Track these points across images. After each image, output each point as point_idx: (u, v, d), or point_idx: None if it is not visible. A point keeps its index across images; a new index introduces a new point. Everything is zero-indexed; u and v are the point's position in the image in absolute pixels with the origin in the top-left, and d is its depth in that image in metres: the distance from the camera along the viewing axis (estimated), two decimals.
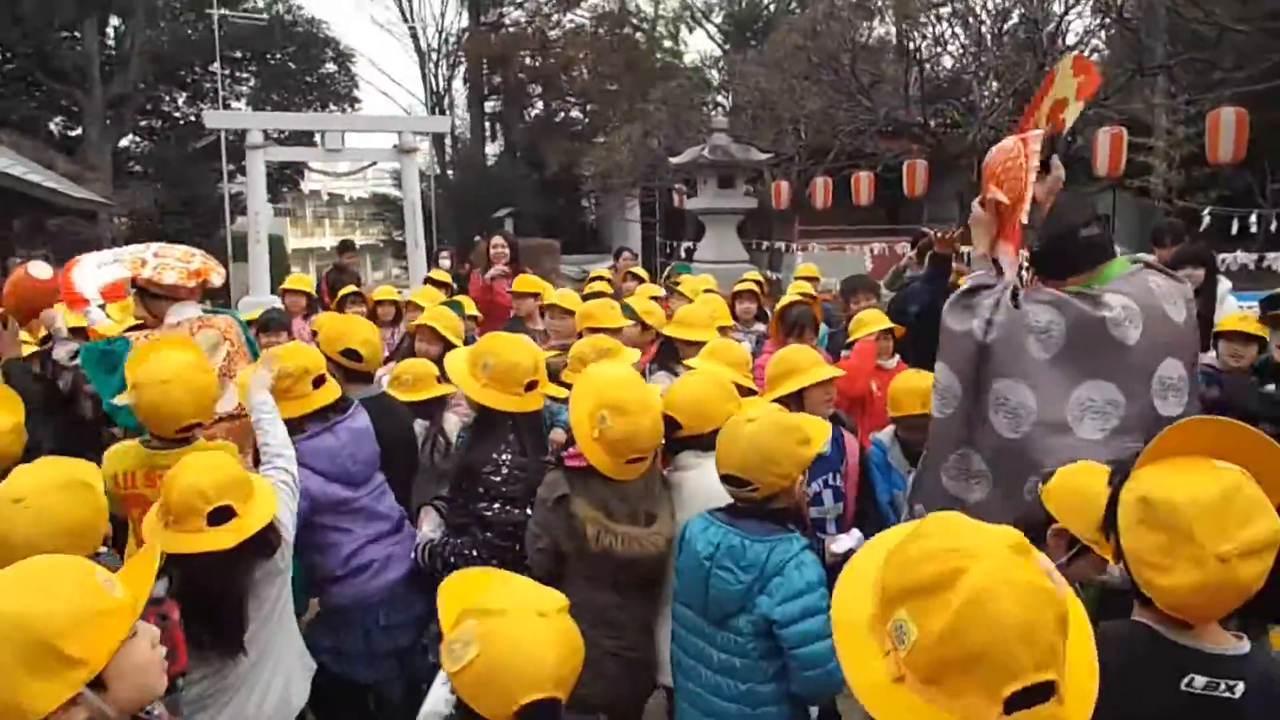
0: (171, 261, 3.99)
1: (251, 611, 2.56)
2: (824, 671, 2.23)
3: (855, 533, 3.04)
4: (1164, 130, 16.81)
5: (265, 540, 2.54)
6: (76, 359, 3.81)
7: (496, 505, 2.95)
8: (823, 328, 6.15)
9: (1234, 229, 10.81)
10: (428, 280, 8.74)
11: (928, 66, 12.76)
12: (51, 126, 27.67)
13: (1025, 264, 2.91)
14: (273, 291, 17.45)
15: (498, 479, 2.95)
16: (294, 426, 3.04)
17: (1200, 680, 1.55)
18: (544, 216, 26.22)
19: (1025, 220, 2.71)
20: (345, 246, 11.54)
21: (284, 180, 32.08)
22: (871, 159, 13.65)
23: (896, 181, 12.79)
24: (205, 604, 2.48)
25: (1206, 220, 10.75)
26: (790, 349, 3.69)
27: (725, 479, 2.41)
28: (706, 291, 5.94)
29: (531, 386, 3.08)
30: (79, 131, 26.46)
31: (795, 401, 3.33)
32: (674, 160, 11.65)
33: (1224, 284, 5.25)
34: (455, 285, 10.35)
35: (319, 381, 3.20)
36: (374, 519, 3.15)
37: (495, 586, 1.77)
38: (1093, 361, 2.59)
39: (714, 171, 11.16)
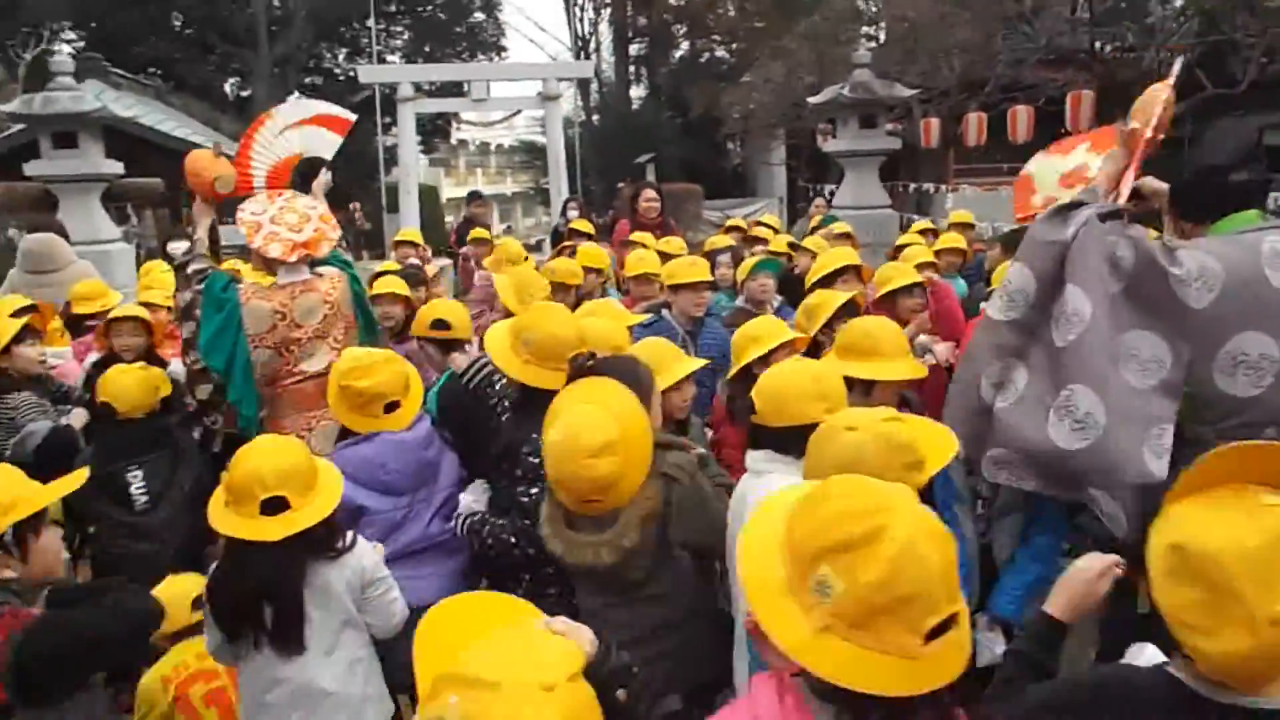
0: (283, 232, 3.96)
1: (321, 615, 2.49)
2: None
3: None
4: None
5: (319, 538, 2.47)
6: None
7: (535, 490, 2.75)
8: (960, 282, 5.71)
9: None
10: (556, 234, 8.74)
11: None
12: (226, 88, 29.38)
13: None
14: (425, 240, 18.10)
15: (536, 460, 2.68)
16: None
17: None
18: (687, 161, 25.82)
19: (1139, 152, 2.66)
20: (473, 196, 11.76)
21: (436, 131, 33.02)
22: (1031, 90, 12.57)
23: (1058, 115, 11.73)
24: (250, 592, 2.44)
25: None
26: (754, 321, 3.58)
27: None
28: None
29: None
30: (249, 92, 27.95)
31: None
32: (812, 100, 11.06)
33: None
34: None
35: (391, 407, 3.08)
36: (404, 534, 3.03)
37: (489, 641, 1.27)
38: (1150, 312, 2.46)
39: (855, 111, 10.51)
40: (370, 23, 24.69)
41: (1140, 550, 1.53)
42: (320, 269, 4.03)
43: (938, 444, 2.14)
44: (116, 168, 8.95)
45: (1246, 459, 1.45)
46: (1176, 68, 2.77)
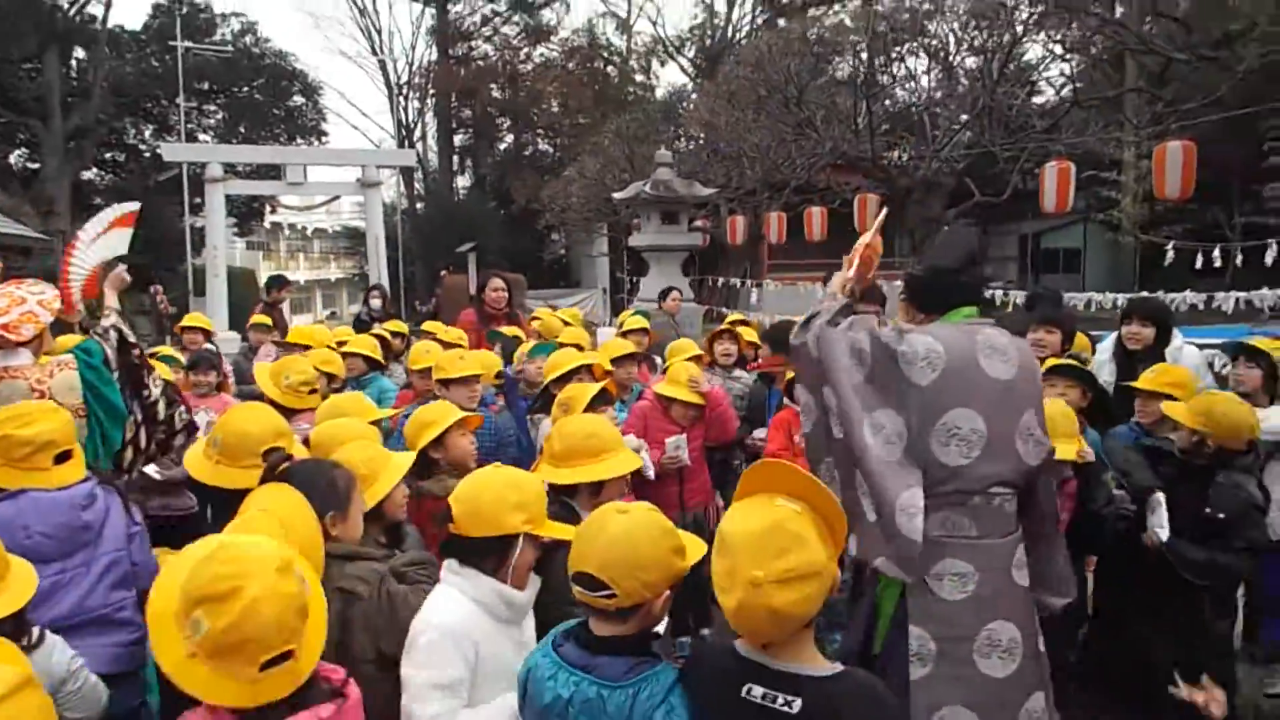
0: None
1: None
2: None
3: None
4: (1131, 165, 16.71)
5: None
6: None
7: None
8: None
9: (1199, 263, 10.56)
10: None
11: (879, 100, 12.52)
12: (10, 159, 27.34)
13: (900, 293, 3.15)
14: (232, 325, 17.14)
15: None
16: None
17: (758, 690, 1.81)
18: (510, 251, 25.94)
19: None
20: (275, 283, 11.14)
21: (253, 214, 31.85)
22: (825, 193, 13.38)
23: (850, 216, 12.53)
24: None
25: (1171, 255, 10.51)
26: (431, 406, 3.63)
27: (578, 578, 1.95)
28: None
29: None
30: (38, 165, 26.11)
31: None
32: (616, 195, 11.32)
33: (1178, 339, 4.93)
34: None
35: (63, 457, 2.81)
36: (55, 606, 2.71)
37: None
38: (886, 390, 2.73)
39: (657, 207, 10.81)
40: (179, 99, 23.71)
41: None
42: (60, 357, 3.78)
43: (696, 545, 2.10)
44: None
45: (773, 474, 1.92)
46: (881, 214, 3.22)
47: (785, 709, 1.77)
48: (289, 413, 3.89)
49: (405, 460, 2.82)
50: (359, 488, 2.54)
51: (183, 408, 4.15)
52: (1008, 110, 10.89)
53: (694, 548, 2.08)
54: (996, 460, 2.70)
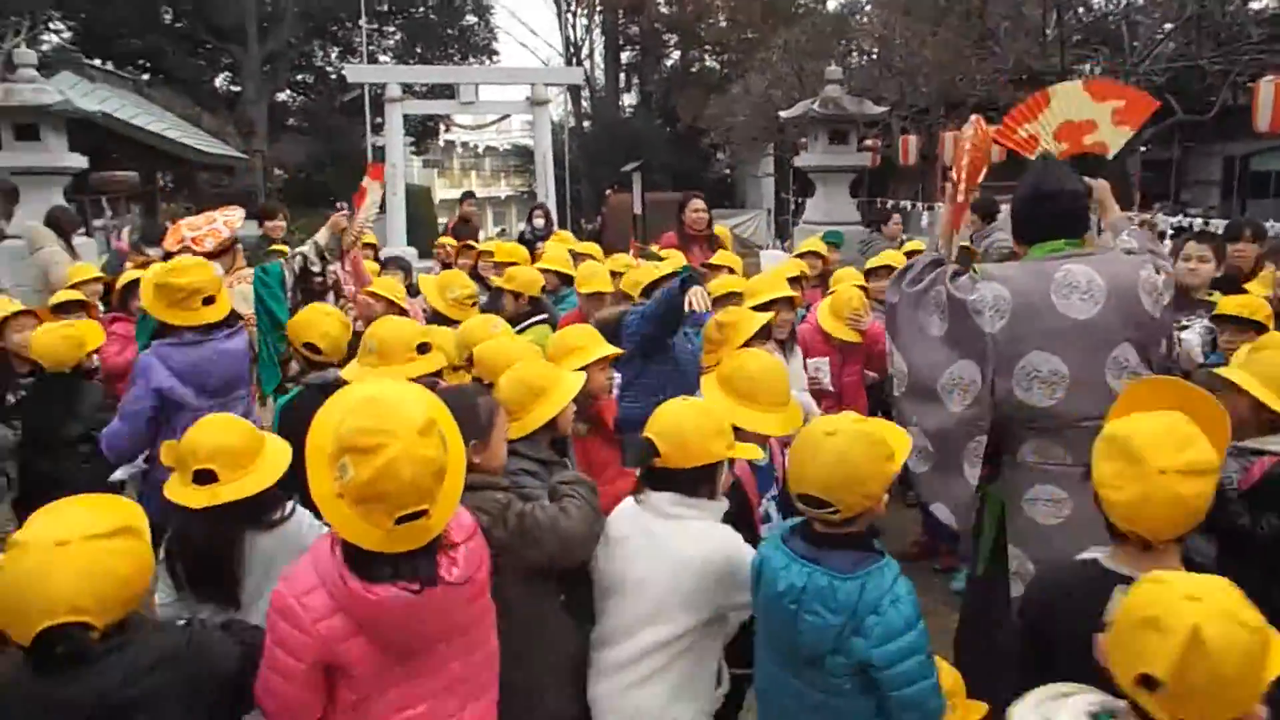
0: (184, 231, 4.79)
1: (257, 579, 2.63)
2: (923, 713, 2.12)
3: None
4: None
5: (246, 511, 2.61)
6: None
7: None
8: None
9: None
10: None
11: (1072, 7, 11.58)
12: (216, 83, 29.34)
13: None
14: (410, 241, 18.03)
15: None
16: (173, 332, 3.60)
17: None
18: (676, 170, 25.88)
19: (960, 198, 3.08)
20: (465, 196, 11.74)
21: (428, 132, 33.03)
22: (1007, 111, 12.63)
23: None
24: (193, 552, 2.63)
25: None
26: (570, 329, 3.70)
27: (802, 498, 2.14)
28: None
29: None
30: (240, 89, 27.93)
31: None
32: (783, 114, 11.10)
33: None
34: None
35: (209, 300, 3.60)
36: None
37: (40, 517, 1.84)
38: (962, 341, 2.87)
39: (825, 126, 10.55)
40: (361, 22, 24.65)
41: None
42: (242, 272, 4.85)
43: (900, 438, 2.29)
44: (80, 161, 8.94)
45: (1155, 389, 2.19)
46: (970, 122, 3.23)
47: None
48: (451, 324, 4.24)
49: (577, 380, 2.94)
50: (503, 415, 2.64)
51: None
52: (1220, 18, 9.84)
53: (900, 442, 2.24)
54: (1086, 398, 2.74)
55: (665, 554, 2.41)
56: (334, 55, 31.18)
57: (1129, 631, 1.47)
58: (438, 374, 3.44)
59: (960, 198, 3.07)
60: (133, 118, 12.04)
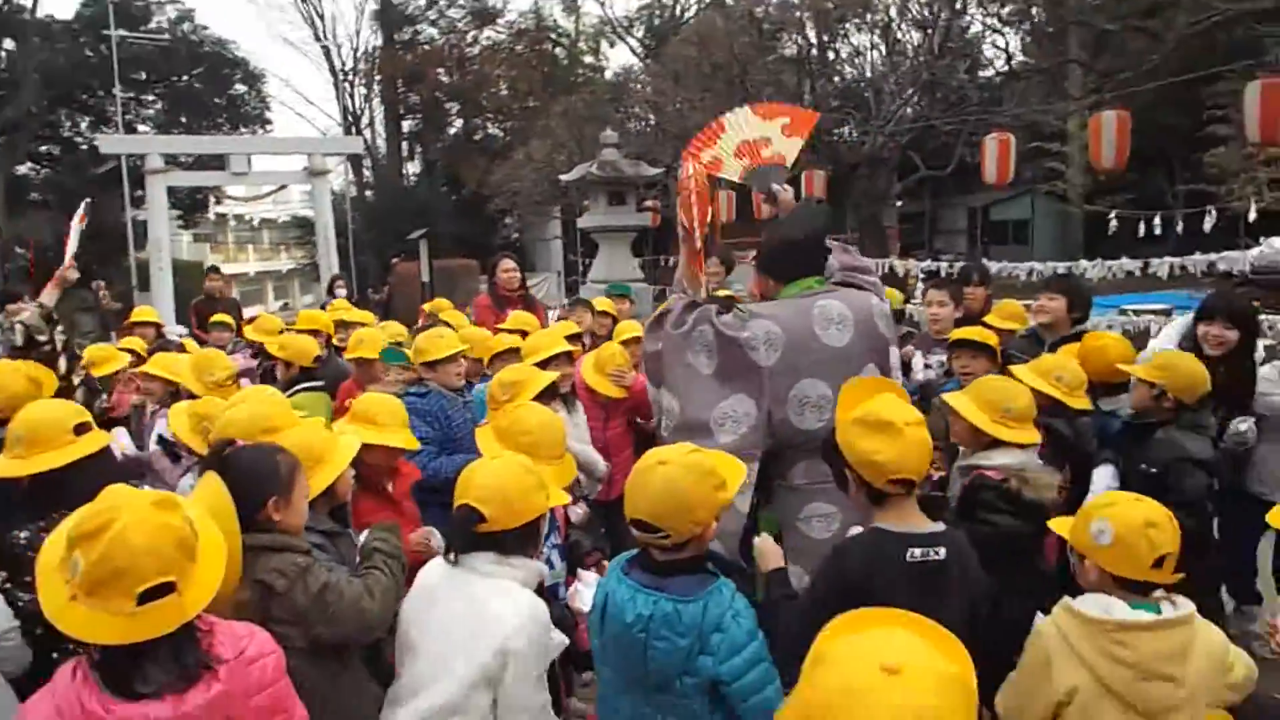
0: None
1: None
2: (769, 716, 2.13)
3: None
4: (1075, 135, 16.93)
5: None
6: None
7: None
8: None
9: (1141, 231, 10.76)
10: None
11: (826, 77, 12.53)
12: None
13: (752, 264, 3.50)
14: (179, 321, 16.79)
15: None
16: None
17: (917, 551, 2.28)
18: (462, 236, 25.65)
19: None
20: (210, 271, 11.06)
21: (198, 205, 31.18)
22: None
23: (798, 194, 12.55)
24: None
25: (1114, 224, 10.69)
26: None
27: (635, 524, 2.22)
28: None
29: None
30: None
31: None
32: (564, 178, 11.26)
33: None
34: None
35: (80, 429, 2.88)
36: None
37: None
38: (735, 377, 3.05)
39: (604, 188, 10.76)
40: (115, 90, 23.08)
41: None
42: None
43: (732, 467, 2.39)
44: None
45: (865, 387, 2.58)
46: (682, 163, 3.48)
47: (936, 558, 2.28)
48: None
49: (354, 442, 2.83)
50: (303, 473, 2.50)
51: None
52: (950, 84, 10.96)
53: (733, 473, 2.34)
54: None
55: (483, 615, 2.32)
56: (84, 125, 28.93)
57: None
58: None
59: (697, 242, 3.21)
60: None
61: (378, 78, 30.75)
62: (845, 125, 14.07)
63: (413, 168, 32.41)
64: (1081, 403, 3.47)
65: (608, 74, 29.28)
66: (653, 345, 3.26)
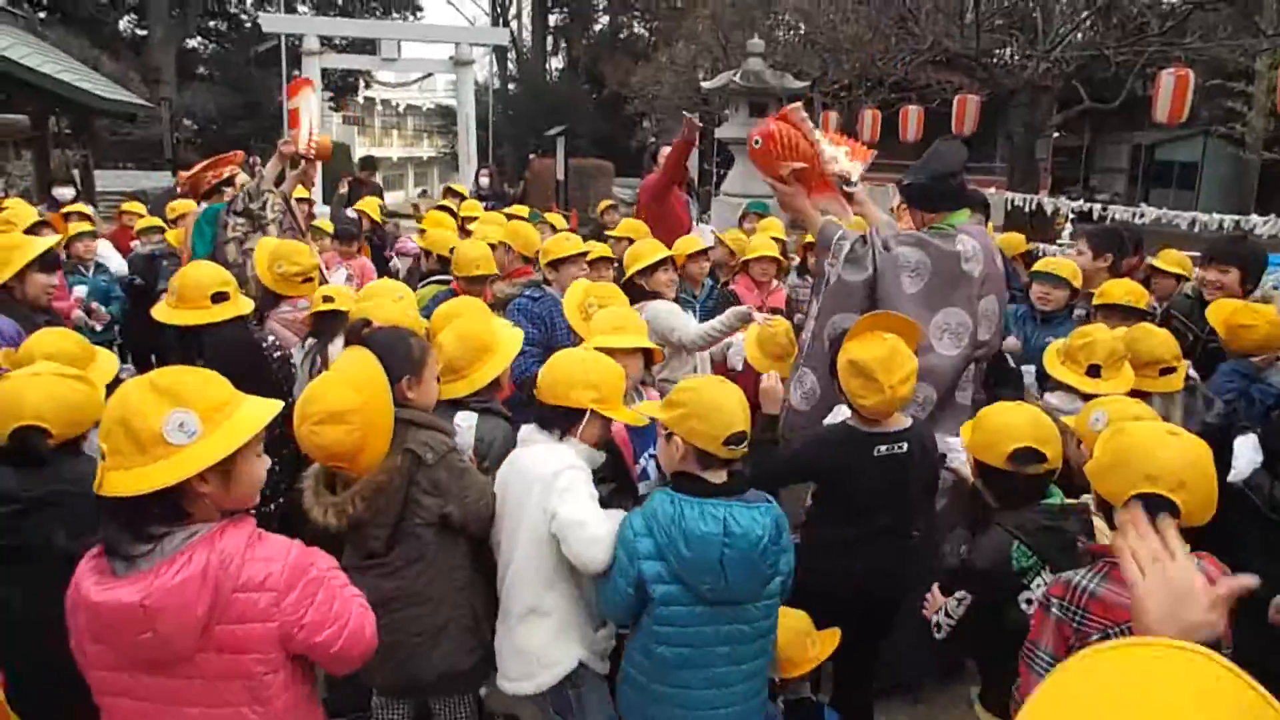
0: None
1: None
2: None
3: None
4: (1262, 75, 15.46)
5: None
6: None
7: None
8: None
9: None
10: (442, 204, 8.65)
11: None
12: (121, 25, 27.90)
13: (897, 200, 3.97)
14: (326, 199, 17.59)
15: None
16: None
17: (883, 448, 2.78)
18: (599, 136, 25.65)
19: (836, 170, 3.50)
20: (365, 164, 11.54)
21: (348, 88, 32.03)
22: (924, 91, 12.80)
23: (947, 117, 11.99)
24: None
25: None
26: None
27: (732, 440, 2.27)
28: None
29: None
30: (146, 32, 26.61)
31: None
32: (705, 85, 11.06)
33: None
34: (492, 203, 10.25)
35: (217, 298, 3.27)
36: None
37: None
38: (950, 291, 3.32)
39: (746, 98, 10.55)
40: None
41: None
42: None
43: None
44: None
45: (876, 321, 2.85)
46: (800, 116, 3.55)
47: (900, 451, 2.77)
48: (279, 297, 4.06)
49: (518, 335, 3.05)
50: (433, 356, 2.71)
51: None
52: (1129, 9, 10.13)
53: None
54: (998, 335, 3.50)
55: (518, 475, 2.52)
56: (249, 2, 29.91)
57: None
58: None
59: (825, 169, 3.49)
60: (23, 58, 11.32)
61: None
62: (1007, 47, 13.24)
63: (556, 63, 32.36)
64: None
65: None
66: (855, 276, 3.34)
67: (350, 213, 7.65)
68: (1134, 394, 2.97)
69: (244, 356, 3.24)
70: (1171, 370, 3.23)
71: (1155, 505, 1.79)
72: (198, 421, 1.66)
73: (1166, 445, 1.91)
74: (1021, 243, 5.50)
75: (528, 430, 2.62)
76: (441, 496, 2.46)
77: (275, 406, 1.77)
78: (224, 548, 1.68)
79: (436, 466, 2.46)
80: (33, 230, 4.99)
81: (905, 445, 2.76)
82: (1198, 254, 4.40)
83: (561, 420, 2.54)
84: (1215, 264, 4.10)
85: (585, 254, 4.36)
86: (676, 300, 5.00)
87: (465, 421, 2.79)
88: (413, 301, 3.65)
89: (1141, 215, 8.73)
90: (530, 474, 2.48)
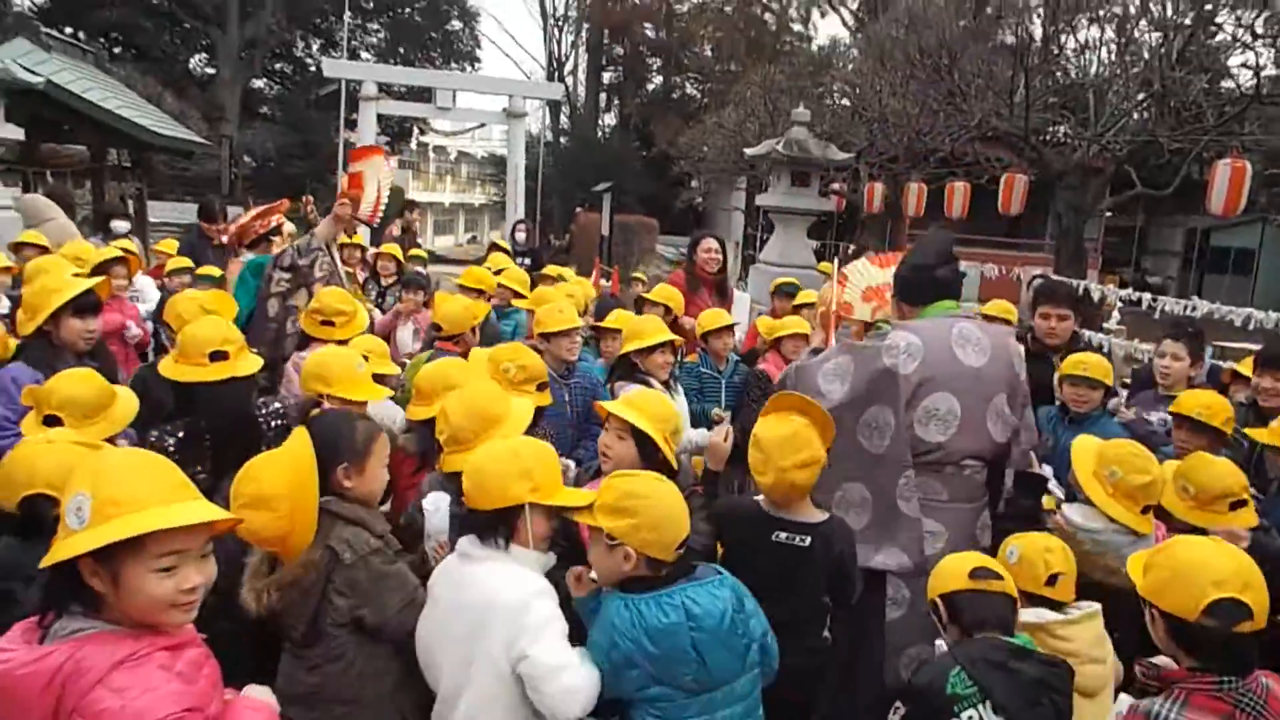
0: None
1: None
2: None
3: None
4: None
5: None
6: None
7: None
8: None
9: None
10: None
11: (1044, 72, 11.63)
12: (191, 64, 28.89)
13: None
14: (374, 243, 17.85)
15: None
16: None
17: (782, 535, 2.70)
18: (646, 194, 25.84)
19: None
20: (409, 206, 11.70)
21: (404, 134, 32.77)
22: (971, 167, 12.65)
23: (995, 195, 11.82)
24: None
25: None
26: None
27: (682, 544, 2.20)
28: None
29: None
30: (215, 71, 27.50)
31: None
32: (748, 152, 11.03)
33: None
34: (525, 259, 10.28)
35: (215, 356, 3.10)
36: None
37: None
38: (874, 390, 3.16)
39: (788, 167, 10.46)
40: (346, 16, 24.44)
41: None
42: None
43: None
44: (14, 132, 8.60)
45: (786, 400, 2.81)
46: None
47: (801, 544, 2.68)
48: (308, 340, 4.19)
49: (529, 406, 2.95)
50: (383, 443, 2.53)
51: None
52: (1184, 96, 9.93)
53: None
54: (970, 437, 3.15)
55: (469, 601, 2.19)
56: (315, 47, 30.87)
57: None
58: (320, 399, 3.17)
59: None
60: (85, 91, 11.65)
61: (586, 26, 31.17)
62: (1060, 125, 13.07)
63: (608, 120, 32.80)
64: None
65: (814, 45, 28.50)
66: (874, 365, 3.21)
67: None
68: (1193, 531, 2.66)
69: (236, 422, 3.10)
70: (1242, 504, 2.87)
71: (1228, 612, 1.95)
72: (90, 510, 1.57)
73: (1219, 552, 2.04)
74: (1011, 311, 5.34)
75: (467, 544, 2.27)
76: (357, 598, 2.29)
77: (170, 520, 1.58)
78: (84, 657, 1.53)
79: (355, 566, 2.29)
80: (103, 267, 5.12)
81: (808, 540, 2.65)
82: (1251, 347, 4.24)
83: (501, 526, 2.22)
84: (1270, 369, 3.89)
85: (577, 328, 4.24)
86: (701, 375, 4.90)
87: (432, 505, 2.57)
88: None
89: (1194, 309, 8.42)
90: (485, 601, 2.16)
